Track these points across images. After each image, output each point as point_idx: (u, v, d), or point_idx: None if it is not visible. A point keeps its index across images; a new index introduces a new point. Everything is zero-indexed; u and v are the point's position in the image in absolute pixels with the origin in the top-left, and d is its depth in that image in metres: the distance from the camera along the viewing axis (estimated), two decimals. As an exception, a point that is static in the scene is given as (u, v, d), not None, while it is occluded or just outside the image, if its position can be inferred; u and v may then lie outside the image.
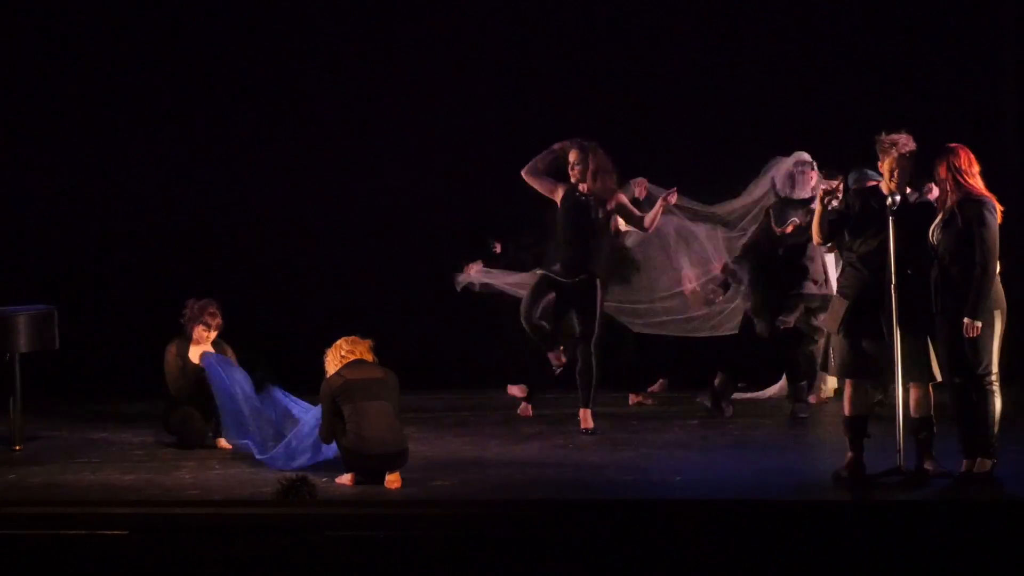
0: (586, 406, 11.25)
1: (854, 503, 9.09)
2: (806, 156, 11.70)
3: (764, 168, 11.89)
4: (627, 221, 11.49)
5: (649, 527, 8.49)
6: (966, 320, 9.11)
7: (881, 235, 9.34)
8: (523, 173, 11.33)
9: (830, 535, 8.35)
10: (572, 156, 11.23)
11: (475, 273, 12.18)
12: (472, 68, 13.35)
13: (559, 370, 11.54)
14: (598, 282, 11.23)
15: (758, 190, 11.95)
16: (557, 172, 11.33)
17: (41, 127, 13.40)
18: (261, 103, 13.38)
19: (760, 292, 11.71)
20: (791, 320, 11.57)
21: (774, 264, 11.63)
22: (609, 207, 11.24)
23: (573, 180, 11.23)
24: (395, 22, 13.43)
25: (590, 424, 11.20)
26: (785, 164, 11.72)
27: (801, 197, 11.57)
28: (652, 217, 11.28)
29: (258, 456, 10.29)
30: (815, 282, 11.65)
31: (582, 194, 11.23)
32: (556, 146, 11.31)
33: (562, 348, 11.48)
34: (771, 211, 11.68)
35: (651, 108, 13.25)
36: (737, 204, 12.06)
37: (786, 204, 11.63)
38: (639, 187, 12.07)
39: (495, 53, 13.39)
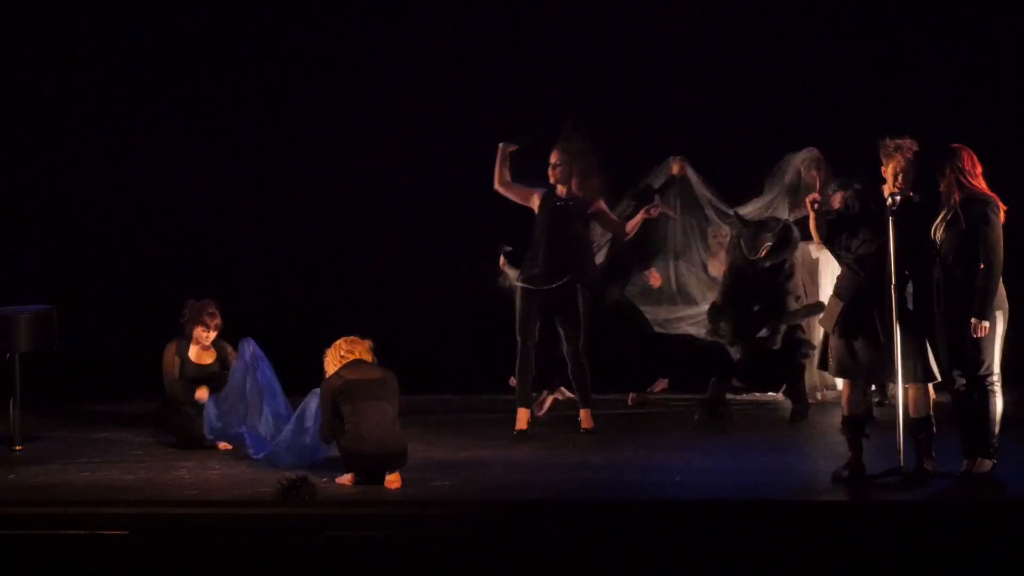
0: (585, 406, 11.22)
1: (854, 503, 9.09)
2: (816, 153, 11.69)
3: (777, 165, 11.86)
4: (606, 227, 11.41)
5: (649, 527, 8.50)
6: (974, 320, 9.10)
7: (881, 237, 9.34)
8: (495, 187, 11.18)
9: (830, 535, 8.36)
10: (553, 157, 11.04)
11: (509, 271, 12.01)
12: (476, 68, 13.33)
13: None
14: (579, 286, 11.06)
15: (771, 191, 11.92)
16: (537, 173, 11.21)
17: (41, 127, 13.39)
18: (262, 103, 13.35)
19: (739, 319, 11.64)
20: (777, 340, 11.54)
21: (753, 290, 11.57)
22: (590, 211, 11.14)
23: (552, 181, 11.09)
24: (393, 19, 13.42)
25: (590, 424, 11.18)
26: (792, 162, 11.74)
27: (805, 199, 11.55)
28: (633, 225, 11.25)
29: (255, 455, 10.33)
30: (796, 298, 11.63)
31: (560, 198, 11.09)
32: (502, 146, 11.09)
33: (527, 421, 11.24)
34: (741, 239, 11.58)
35: (658, 108, 13.22)
36: (753, 205, 11.98)
37: (755, 229, 11.56)
38: (677, 164, 11.96)
39: (503, 53, 13.37)
